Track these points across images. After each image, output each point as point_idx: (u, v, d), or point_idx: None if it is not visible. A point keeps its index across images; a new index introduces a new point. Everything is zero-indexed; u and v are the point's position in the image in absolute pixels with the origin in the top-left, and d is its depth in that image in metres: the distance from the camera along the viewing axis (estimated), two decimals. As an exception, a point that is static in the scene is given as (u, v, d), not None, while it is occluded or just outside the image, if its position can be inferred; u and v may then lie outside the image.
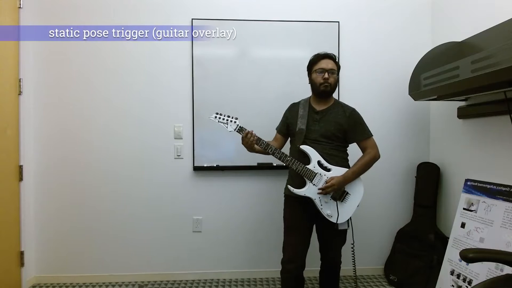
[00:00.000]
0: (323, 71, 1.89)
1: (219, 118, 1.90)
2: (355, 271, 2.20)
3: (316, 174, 1.84)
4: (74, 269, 2.58)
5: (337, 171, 1.87)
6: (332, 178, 1.83)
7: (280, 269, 1.91)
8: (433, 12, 2.68)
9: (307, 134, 1.89)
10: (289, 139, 2.08)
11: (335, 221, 1.85)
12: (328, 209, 1.85)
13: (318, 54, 1.96)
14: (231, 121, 1.90)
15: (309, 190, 1.84)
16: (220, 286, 2.54)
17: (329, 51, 1.96)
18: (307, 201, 1.86)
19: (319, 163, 1.86)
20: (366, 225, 2.68)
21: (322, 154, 1.87)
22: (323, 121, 1.91)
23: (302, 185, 1.87)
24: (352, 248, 2.09)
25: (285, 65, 2.59)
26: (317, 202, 1.84)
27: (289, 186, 1.90)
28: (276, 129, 2.10)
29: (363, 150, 1.96)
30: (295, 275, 1.89)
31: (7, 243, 2.28)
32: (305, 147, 1.86)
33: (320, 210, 1.85)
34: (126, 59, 2.57)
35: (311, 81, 1.96)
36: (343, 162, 1.94)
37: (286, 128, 2.03)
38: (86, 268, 2.58)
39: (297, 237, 1.90)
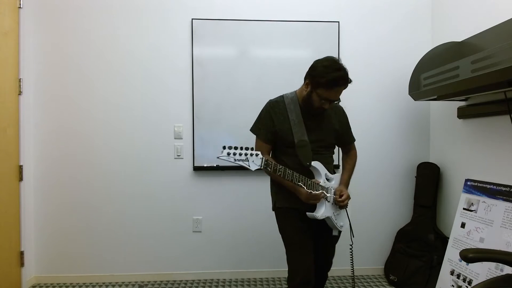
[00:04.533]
0: (328, 102, 1.58)
1: (234, 155, 1.37)
2: (353, 271, 2.17)
3: (327, 189, 1.64)
4: (74, 269, 2.58)
5: (336, 179, 1.72)
6: (341, 190, 1.67)
7: None
8: (433, 12, 2.68)
9: (312, 147, 1.62)
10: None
11: (343, 230, 1.71)
12: (341, 221, 1.70)
13: (335, 78, 1.53)
14: (251, 155, 1.39)
15: (326, 210, 1.62)
16: (220, 286, 2.54)
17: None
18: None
19: (325, 175, 1.66)
20: (366, 225, 2.68)
21: (325, 165, 1.66)
22: (319, 130, 1.67)
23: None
24: (350, 249, 2.03)
25: (285, 65, 2.59)
26: (333, 219, 1.65)
27: (310, 214, 1.60)
28: (261, 138, 1.67)
29: (347, 151, 1.84)
30: None
31: (7, 243, 2.28)
32: (316, 164, 1.62)
33: (335, 225, 1.67)
34: (127, 59, 2.57)
35: (308, 95, 1.60)
36: (333, 166, 1.79)
37: (273, 134, 1.65)
38: (86, 268, 2.58)
39: (309, 254, 1.63)
